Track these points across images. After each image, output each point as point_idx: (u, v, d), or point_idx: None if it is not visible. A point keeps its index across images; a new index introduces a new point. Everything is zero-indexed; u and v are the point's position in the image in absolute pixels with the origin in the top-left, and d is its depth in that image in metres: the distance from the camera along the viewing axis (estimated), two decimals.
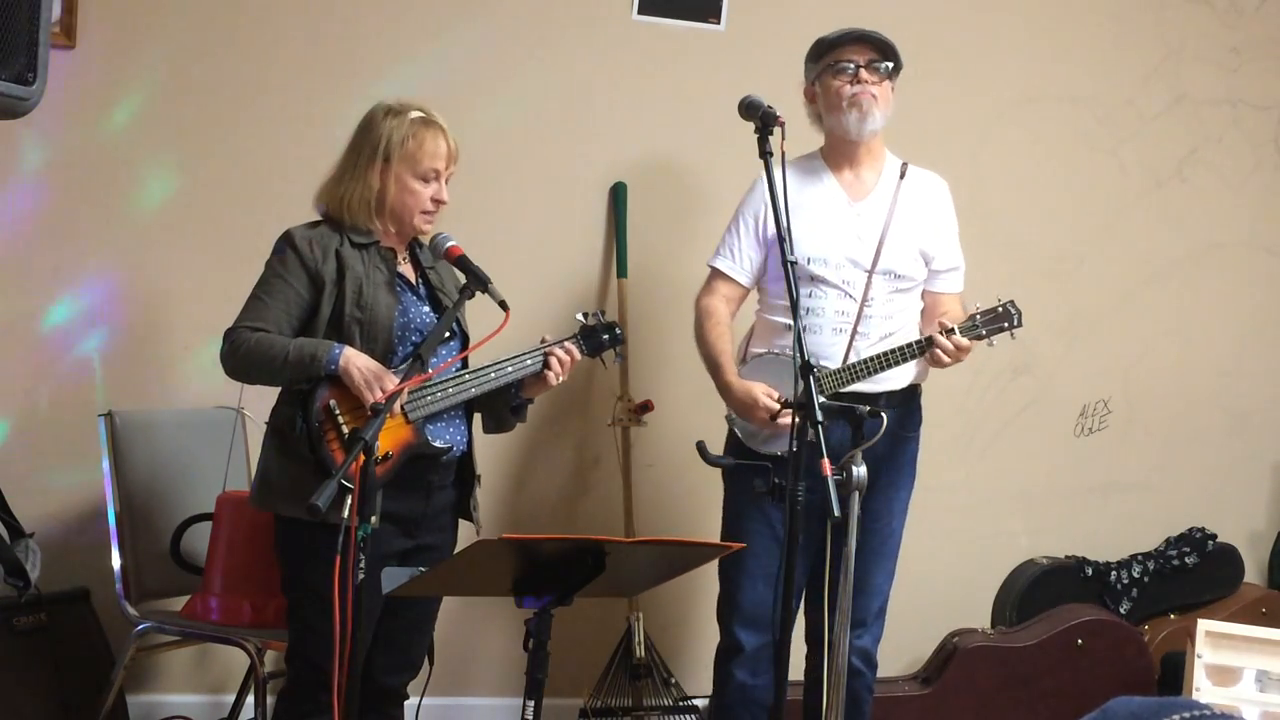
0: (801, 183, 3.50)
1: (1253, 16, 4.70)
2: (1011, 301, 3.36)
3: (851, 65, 3.44)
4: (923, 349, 3.35)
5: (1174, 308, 4.73)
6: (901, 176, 3.53)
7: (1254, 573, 4.80)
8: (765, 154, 3.05)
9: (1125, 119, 4.64)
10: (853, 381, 3.37)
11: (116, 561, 3.60)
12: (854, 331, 3.42)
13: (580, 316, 3.26)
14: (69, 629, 3.74)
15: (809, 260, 3.42)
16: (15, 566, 3.41)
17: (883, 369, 3.38)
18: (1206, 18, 4.66)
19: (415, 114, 3.11)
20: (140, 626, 3.56)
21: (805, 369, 2.85)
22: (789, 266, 2.94)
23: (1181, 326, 4.75)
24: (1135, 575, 4.63)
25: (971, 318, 3.36)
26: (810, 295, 3.43)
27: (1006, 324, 3.37)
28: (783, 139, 3.22)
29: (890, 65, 3.47)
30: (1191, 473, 4.78)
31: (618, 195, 4.26)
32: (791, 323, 3.41)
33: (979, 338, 3.36)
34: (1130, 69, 4.63)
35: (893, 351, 3.37)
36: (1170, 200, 4.70)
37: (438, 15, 4.15)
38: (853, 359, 3.41)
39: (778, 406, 3.35)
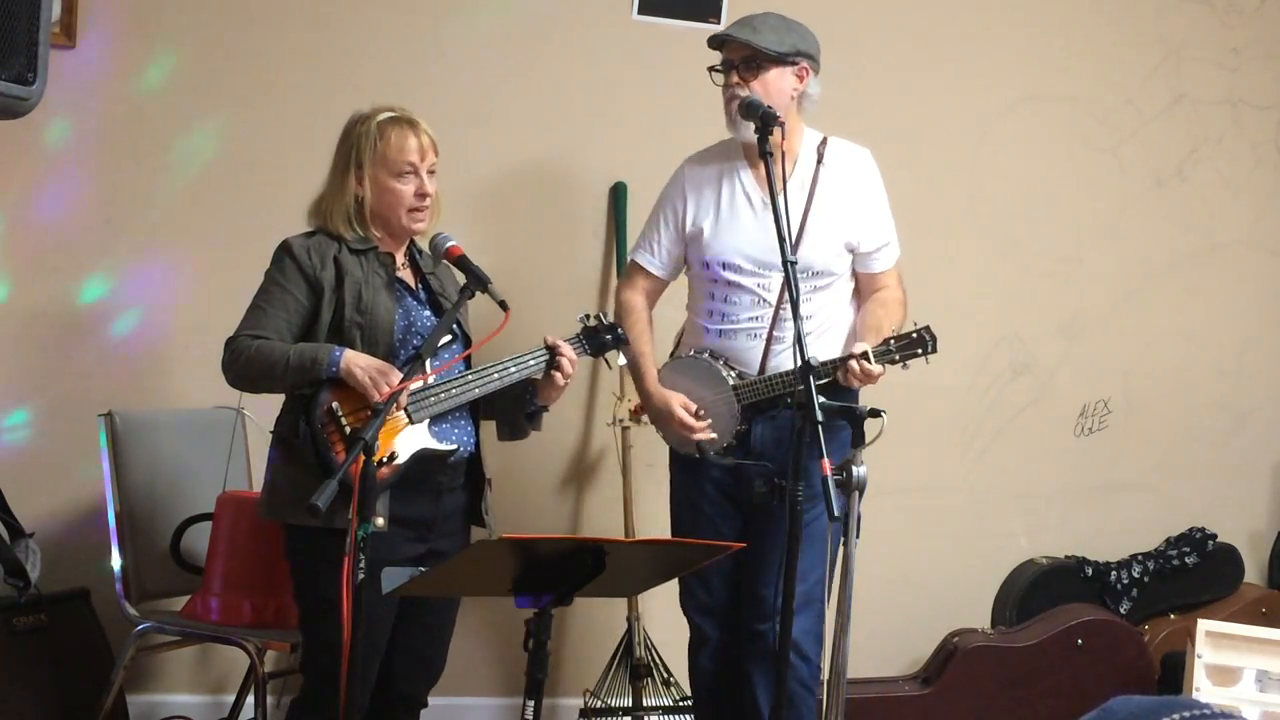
0: (715, 180, 3.46)
1: (1253, 16, 4.70)
2: (927, 328, 3.25)
3: (727, 65, 3.36)
4: (833, 370, 3.25)
5: (1174, 308, 4.73)
6: (820, 161, 3.42)
7: (1254, 573, 4.80)
8: (765, 154, 3.05)
9: (1125, 119, 4.64)
10: (772, 392, 3.33)
11: (116, 561, 3.60)
12: (769, 336, 3.38)
13: (582, 318, 3.26)
14: (69, 629, 3.74)
15: (723, 265, 3.39)
16: (15, 566, 3.41)
17: (791, 386, 3.25)
18: (1206, 18, 4.66)
19: (384, 115, 3.10)
20: (140, 626, 3.56)
21: (805, 369, 2.85)
22: (788, 266, 2.93)
23: (1182, 326, 4.75)
24: (1135, 575, 4.63)
25: (886, 342, 3.27)
26: (725, 300, 3.41)
27: (921, 350, 3.25)
28: (783, 139, 3.22)
29: (773, 58, 3.31)
30: (1191, 473, 4.77)
31: (618, 195, 4.26)
32: (710, 325, 3.43)
33: (892, 362, 3.27)
34: (1130, 69, 4.63)
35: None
36: (1170, 200, 4.70)
37: (437, 16, 4.15)
38: (771, 362, 3.38)
39: (693, 423, 3.35)
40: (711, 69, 3.39)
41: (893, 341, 3.26)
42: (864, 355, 3.23)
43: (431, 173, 3.12)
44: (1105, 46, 4.61)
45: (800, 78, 3.37)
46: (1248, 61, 4.70)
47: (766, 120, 3.10)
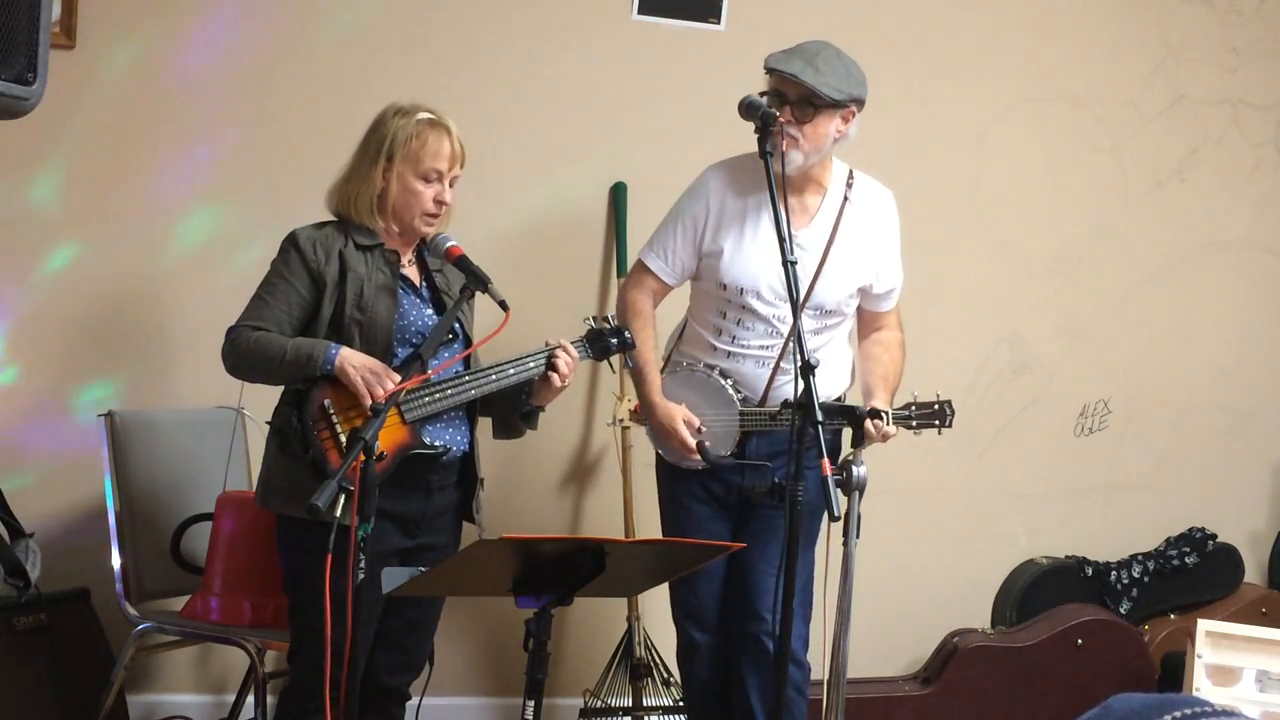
0: (744, 200, 3.40)
1: (1253, 16, 4.70)
2: (948, 402, 3.32)
3: (780, 98, 3.28)
4: (846, 415, 3.22)
5: (1174, 307, 4.73)
6: (846, 200, 3.41)
7: (1254, 573, 4.80)
8: (765, 154, 3.05)
9: (1125, 119, 4.64)
10: (777, 424, 3.32)
11: (116, 561, 3.60)
12: (776, 366, 3.39)
13: (590, 320, 3.26)
14: (69, 629, 3.74)
15: (742, 290, 3.37)
16: (15, 566, 3.41)
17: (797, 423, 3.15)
18: (1206, 18, 4.66)
19: (423, 115, 3.12)
20: (140, 626, 3.56)
21: (805, 369, 2.85)
22: (788, 266, 2.93)
23: (1181, 326, 4.75)
24: (1135, 575, 4.63)
25: (907, 407, 3.32)
26: (739, 324, 3.40)
27: (938, 421, 3.33)
28: (782, 140, 3.22)
29: (827, 103, 3.25)
30: (1191, 473, 4.78)
31: (618, 195, 4.26)
32: (718, 344, 3.42)
33: (908, 427, 3.32)
34: (1130, 69, 4.63)
35: (824, 406, 3.16)
36: (1170, 200, 4.70)
37: (438, 15, 4.15)
38: (774, 392, 3.38)
39: (692, 443, 3.34)
40: (762, 94, 3.29)
41: (914, 408, 3.33)
42: (883, 414, 3.24)
43: (453, 182, 3.13)
44: (1105, 46, 4.61)
45: (846, 120, 3.33)
46: (1248, 61, 4.70)
47: (766, 120, 3.09)
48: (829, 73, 3.28)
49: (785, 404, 3.17)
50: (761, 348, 3.40)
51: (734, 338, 3.41)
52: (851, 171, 3.48)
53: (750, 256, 3.38)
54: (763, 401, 3.40)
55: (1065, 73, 4.59)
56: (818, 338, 3.40)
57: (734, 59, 4.23)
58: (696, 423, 3.39)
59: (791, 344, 3.30)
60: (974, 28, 4.51)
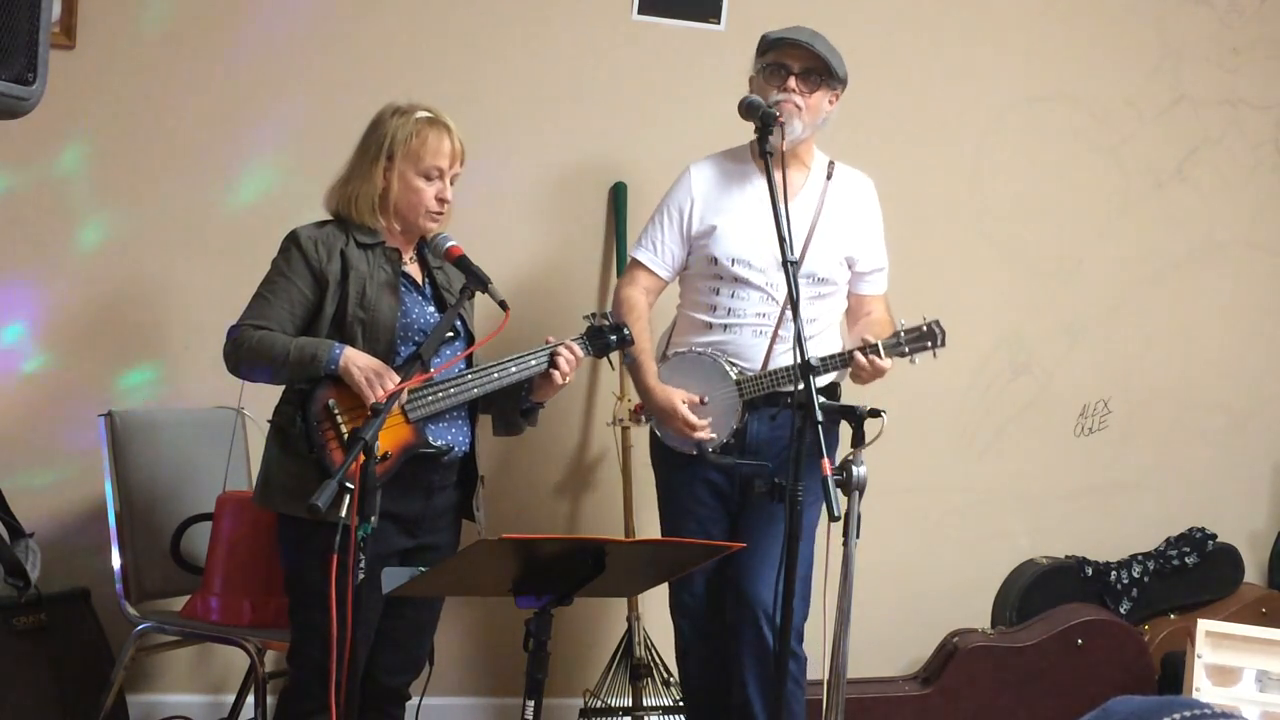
0: (729, 180, 3.51)
1: (1253, 17, 4.70)
2: (936, 321, 3.31)
3: (783, 70, 3.40)
4: (845, 362, 3.34)
5: (1174, 308, 4.73)
6: (829, 177, 3.52)
7: (1254, 573, 4.80)
8: (764, 154, 3.07)
9: (1125, 119, 4.64)
10: (775, 386, 3.37)
11: (116, 561, 3.60)
12: (774, 335, 3.42)
13: (588, 317, 3.26)
14: (69, 629, 3.74)
15: (733, 261, 3.43)
16: (15, 566, 3.41)
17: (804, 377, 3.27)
18: (1206, 18, 4.66)
19: (421, 113, 3.13)
20: (140, 626, 3.56)
21: (805, 368, 2.86)
22: (788, 266, 2.94)
23: (1181, 326, 4.75)
24: (1135, 575, 4.63)
25: (896, 335, 3.33)
26: (733, 296, 3.45)
27: (930, 343, 3.31)
28: (782, 139, 3.22)
29: (827, 77, 3.41)
30: (1191, 473, 4.78)
31: (618, 195, 4.26)
32: (713, 320, 3.45)
33: (901, 355, 3.32)
34: (1130, 69, 4.64)
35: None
36: (1170, 200, 4.70)
37: (438, 15, 4.15)
38: (774, 361, 3.42)
39: (696, 420, 3.38)
40: (765, 66, 3.41)
41: (903, 334, 3.33)
42: (874, 349, 3.29)
43: (454, 180, 3.15)
44: (1105, 46, 4.61)
45: (832, 102, 3.47)
46: (1248, 62, 4.71)
47: (766, 120, 3.11)
48: (829, 51, 3.42)
49: (784, 372, 3.29)
50: (758, 315, 3.44)
51: (729, 310, 3.45)
52: (831, 161, 3.57)
53: (740, 227, 3.44)
54: (764, 370, 3.44)
55: (1065, 73, 4.59)
56: (813, 307, 3.44)
57: (734, 59, 4.23)
58: (697, 398, 3.42)
59: (785, 312, 3.36)
60: (974, 28, 4.51)
